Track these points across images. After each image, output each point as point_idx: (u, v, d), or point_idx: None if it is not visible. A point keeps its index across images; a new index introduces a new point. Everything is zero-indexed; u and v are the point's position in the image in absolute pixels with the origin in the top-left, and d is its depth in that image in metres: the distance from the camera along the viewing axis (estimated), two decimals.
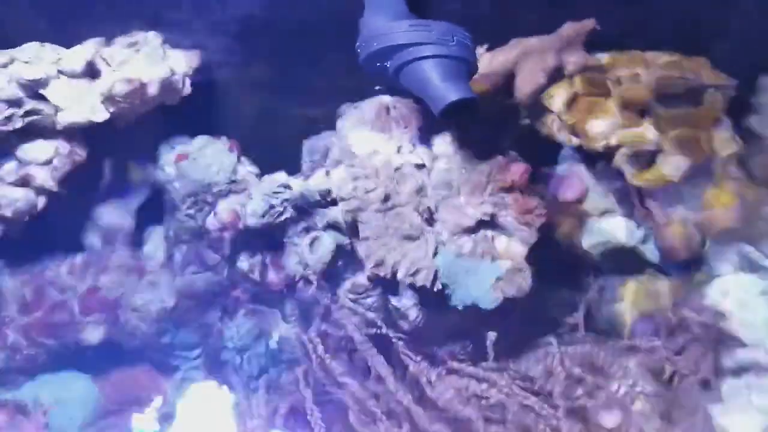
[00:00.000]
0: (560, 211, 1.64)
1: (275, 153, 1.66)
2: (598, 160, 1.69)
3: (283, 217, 1.54)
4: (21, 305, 1.55)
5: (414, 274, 1.42)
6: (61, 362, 1.56)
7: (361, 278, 1.48)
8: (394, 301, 1.47)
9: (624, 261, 1.64)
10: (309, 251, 1.50)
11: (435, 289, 1.42)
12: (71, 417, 1.48)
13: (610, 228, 1.63)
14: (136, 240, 1.69)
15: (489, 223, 1.50)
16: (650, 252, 1.63)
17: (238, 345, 1.54)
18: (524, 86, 1.65)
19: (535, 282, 1.46)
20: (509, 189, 1.50)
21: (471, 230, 1.48)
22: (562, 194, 1.67)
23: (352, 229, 1.51)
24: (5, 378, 1.54)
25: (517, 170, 1.52)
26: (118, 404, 1.51)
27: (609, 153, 1.65)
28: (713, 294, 1.58)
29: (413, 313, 1.45)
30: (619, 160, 1.63)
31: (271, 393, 1.47)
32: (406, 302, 1.46)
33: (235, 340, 1.53)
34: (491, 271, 1.43)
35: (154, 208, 1.68)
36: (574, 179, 1.68)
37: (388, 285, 1.48)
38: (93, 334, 1.54)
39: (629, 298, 1.65)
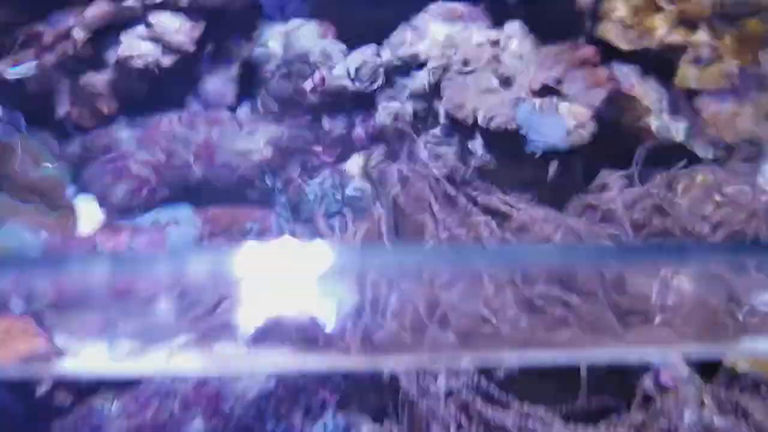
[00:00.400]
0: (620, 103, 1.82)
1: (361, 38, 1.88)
2: (650, 65, 1.87)
3: (372, 83, 1.75)
4: (139, 151, 1.79)
5: (492, 119, 1.61)
6: (173, 198, 1.78)
7: (439, 129, 1.67)
8: (469, 145, 1.65)
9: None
10: (394, 109, 1.71)
11: (510, 135, 1.61)
12: (184, 234, 1.68)
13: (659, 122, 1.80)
14: (233, 107, 1.89)
15: (559, 92, 1.68)
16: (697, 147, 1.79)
17: (318, 194, 1.74)
18: None
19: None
20: (580, 65, 1.69)
21: (542, 93, 1.66)
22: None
23: (434, 91, 1.72)
24: (125, 212, 1.77)
25: (589, 51, 1.71)
26: (221, 230, 1.72)
27: (662, 56, 1.84)
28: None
29: (486, 158, 1.63)
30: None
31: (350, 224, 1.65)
32: (480, 147, 1.65)
33: (315, 190, 1.74)
34: (561, 123, 1.61)
35: (249, 80, 1.90)
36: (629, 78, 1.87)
37: (464, 133, 1.66)
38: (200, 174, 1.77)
39: None
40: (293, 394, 1.57)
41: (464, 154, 1.64)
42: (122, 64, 1.83)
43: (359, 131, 1.77)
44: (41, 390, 1.62)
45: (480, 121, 1.61)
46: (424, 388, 1.30)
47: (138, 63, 1.79)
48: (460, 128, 1.65)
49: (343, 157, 1.78)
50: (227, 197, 1.76)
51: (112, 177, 1.75)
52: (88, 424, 1.59)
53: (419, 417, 1.31)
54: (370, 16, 1.93)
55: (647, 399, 1.21)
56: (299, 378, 1.59)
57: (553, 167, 1.56)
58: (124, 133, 1.81)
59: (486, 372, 1.31)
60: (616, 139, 1.78)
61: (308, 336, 1.15)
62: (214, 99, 1.89)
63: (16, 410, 1.63)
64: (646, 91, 1.82)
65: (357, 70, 1.76)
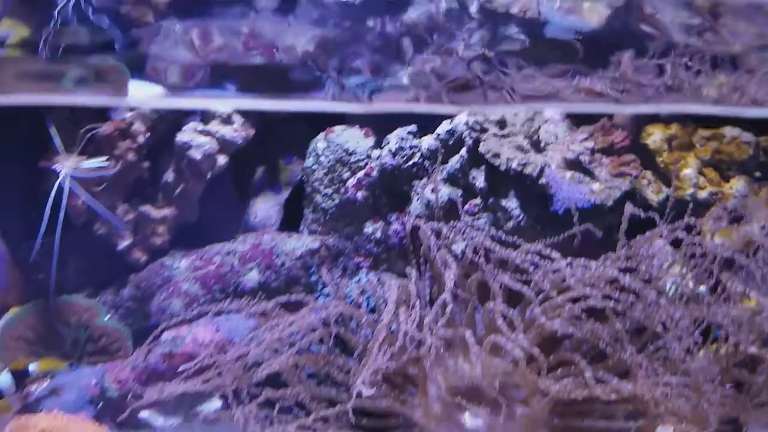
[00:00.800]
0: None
1: None
2: None
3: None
4: None
5: (524, 165, 1.67)
6: None
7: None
8: (502, 32, 1.81)
9: None
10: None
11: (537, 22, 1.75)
12: None
13: None
14: None
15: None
16: None
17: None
18: None
19: None
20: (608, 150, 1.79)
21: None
22: None
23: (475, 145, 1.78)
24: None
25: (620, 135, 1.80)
26: None
27: None
28: None
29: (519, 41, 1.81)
30: None
31: None
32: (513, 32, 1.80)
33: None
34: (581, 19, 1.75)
35: None
36: None
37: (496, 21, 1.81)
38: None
39: None
40: (334, 255, 1.83)
41: (497, 41, 1.81)
42: None
43: (393, 31, 1.95)
44: (121, 245, 1.92)
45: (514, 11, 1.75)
46: (444, 244, 1.53)
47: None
48: (493, 16, 1.79)
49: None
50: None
51: None
52: (160, 275, 1.88)
53: (439, 270, 1.54)
54: None
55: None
56: (338, 243, 1.85)
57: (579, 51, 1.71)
58: None
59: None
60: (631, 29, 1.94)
61: None
62: None
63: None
64: None
65: (398, 146, 1.85)
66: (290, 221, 1.99)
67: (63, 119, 1.78)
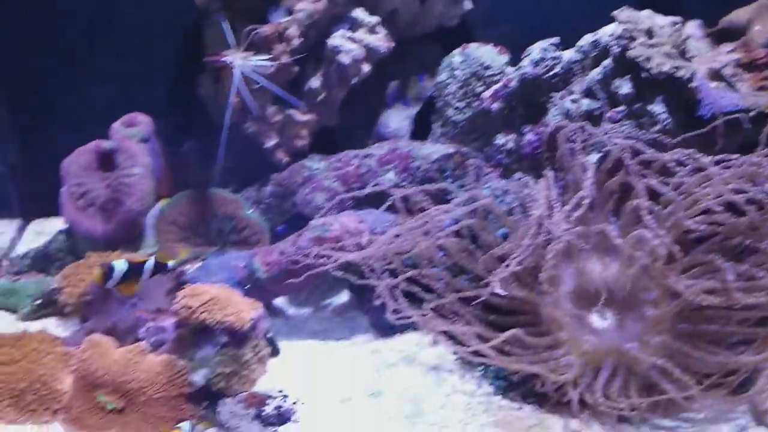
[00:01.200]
0: None
1: None
2: None
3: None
4: None
5: (676, 68, 1.67)
6: None
7: None
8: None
9: None
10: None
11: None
12: None
13: None
14: None
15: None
16: None
17: None
18: None
19: None
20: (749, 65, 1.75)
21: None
22: None
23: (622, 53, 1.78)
24: None
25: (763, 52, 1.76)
26: None
27: None
28: None
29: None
30: None
31: None
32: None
33: None
34: None
35: None
36: None
37: None
38: None
39: None
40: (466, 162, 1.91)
41: None
42: None
43: None
44: (268, 143, 2.06)
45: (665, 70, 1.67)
46: (583, 146, 1.59)
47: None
48: None
49: None
50: None
51: None
52: (300, 175, 2.01)
53: (577, 174, 1.60)
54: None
55: None
56: (470, 152, 1.94)
57: None
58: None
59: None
60: None
61: None
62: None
63: None
64: None
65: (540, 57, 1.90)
66: (420, 135, 2.08)
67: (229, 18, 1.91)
